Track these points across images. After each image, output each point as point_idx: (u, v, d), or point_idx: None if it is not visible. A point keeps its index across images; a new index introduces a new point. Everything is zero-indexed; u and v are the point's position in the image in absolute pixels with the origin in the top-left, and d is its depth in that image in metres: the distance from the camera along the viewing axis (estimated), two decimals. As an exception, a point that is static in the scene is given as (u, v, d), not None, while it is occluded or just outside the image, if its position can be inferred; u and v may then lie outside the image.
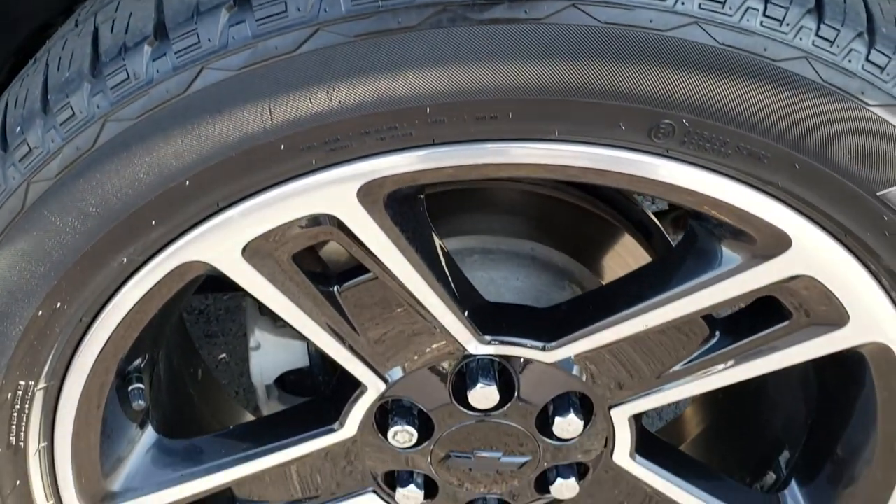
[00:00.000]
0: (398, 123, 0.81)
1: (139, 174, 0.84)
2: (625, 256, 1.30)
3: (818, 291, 0.96)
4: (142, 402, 1.07)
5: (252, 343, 1.30)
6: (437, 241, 1.03)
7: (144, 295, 0.93)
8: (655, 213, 1.35)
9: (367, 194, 0.88)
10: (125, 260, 0.90)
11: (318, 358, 1.30)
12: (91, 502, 1.13)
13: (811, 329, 1.01)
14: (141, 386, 1.07)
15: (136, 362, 1.07)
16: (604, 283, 1.24)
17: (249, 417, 1.57)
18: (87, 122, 0.82)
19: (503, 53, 0.78)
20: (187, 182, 0.84)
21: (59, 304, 0.93)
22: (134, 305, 0.94)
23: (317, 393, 1.32)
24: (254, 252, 0.92)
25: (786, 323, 1.01)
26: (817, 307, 0.98)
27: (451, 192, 1.23)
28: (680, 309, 1.00)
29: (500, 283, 1.23)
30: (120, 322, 0.96)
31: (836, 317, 0.98)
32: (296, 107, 0.80)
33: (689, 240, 1.00)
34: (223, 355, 2.27)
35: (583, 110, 0.81)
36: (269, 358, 1.31)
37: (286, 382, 1.37)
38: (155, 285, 0.93)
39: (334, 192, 0.87)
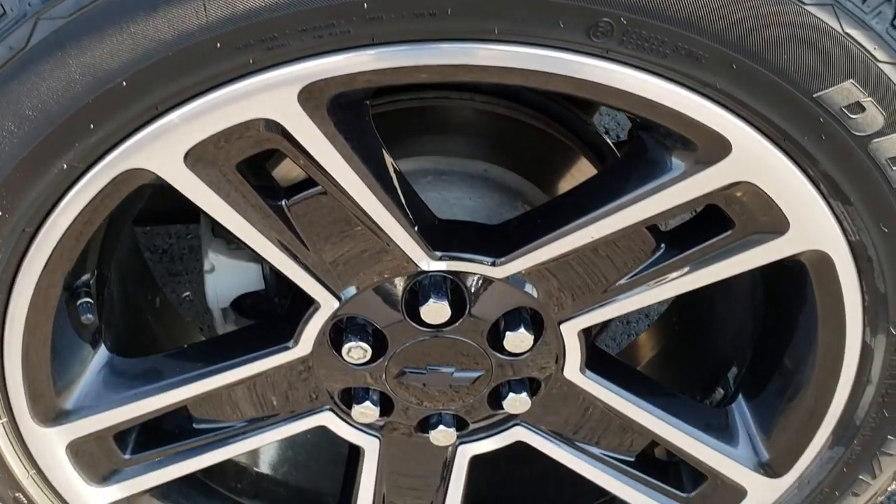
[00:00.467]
0: (335, 20, 0.80)
1: (75, 75, 0.82)
2: (578, 178, 1.31)
3: (759, 198, 0.97)
4: (90, 316, 1.07)
5: (206, 265, 1.30)
6: (386, 154, 1.03)
7: (88, 204, 0.93)
8: (615, 144, 1.36)
9: (308, 98, 0.87)
10: (65, 166, 0.89)
11: (274, 280, 1.30)
12: (44, 419, 1.13)
13: (753, 237, 1.02)
14: (89, 300, 1.06)
15: (85, 277, 1.07)
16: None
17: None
18: (18, 20, 0.81)
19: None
20: (124, 83, 0.83)
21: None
22: (78, 215, 0.94)
23: (270, 314, 1.33)
24: (196, 159, 0.91)
25: (729, 232, 1.03)
26: (758, 215, 1.00)
27: (403, 111, 1.23)
28: (624, 219, 1.01)
29: (453, 203, 1.24)
30: (64, 233, 0.95)
31: (776, 224, 1.00)
32: (231, 3, 0.79)
33: (633, 149, 1.01)
34: (187, 293, 2.27)
35: (521, 7, 0.80)
36: (223, 280, 1.31)
37: (243, 306, 1.37)
38: (98, 194, 0.92)
39: (274, 96, 0.86)
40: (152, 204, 1.50)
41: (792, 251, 1.02)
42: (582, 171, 1.31)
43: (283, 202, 1.02)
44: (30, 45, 0.82)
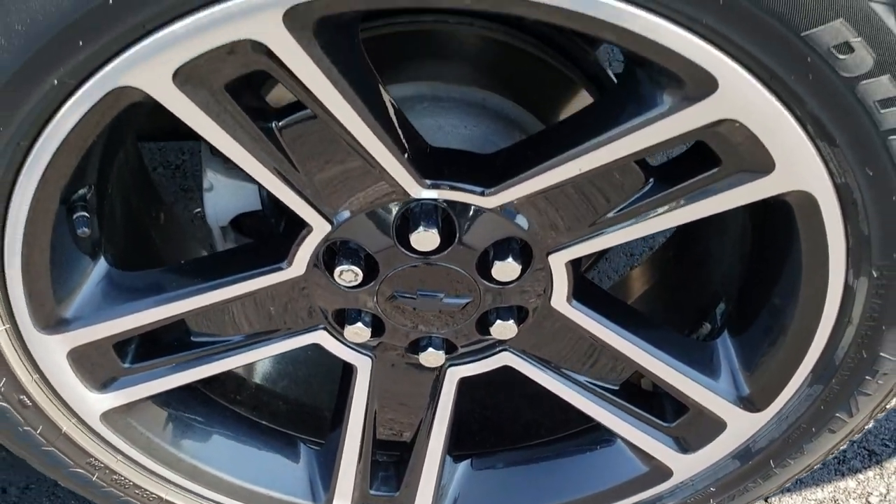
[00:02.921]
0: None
1: (62, -10, 0.83)
2: (577, 109, 1.30)
3: (745, 137, 0.97)
4: (86, 230, 1.10)
5: (205, 184, 1.33)
6: (376, 79, 1.03)
7: (81, 120, 0.94)
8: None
9: (293, 19, 0.87)
10: (56, 82, 0.90)
11: (271, 201, 1.32)
12: (44, 326, 1.18)
13: (740, 175, 1.02)
14: (85, 214, 1.09)
15: (82, 191, 1.09)
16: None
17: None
18: (4, -66, 0.82)
19: None
20: (110, 1, 0.84)
21: (-8, 127, 0.94)
22: (72, 130, 0.95)
23: (268, 232, 1.36)
24: (185, 78, 0.92)
25: (715, 169, 1.03)
26: (745, 153, 0.99)
27: (400, 35, 1.22)
28: (612, 153, 1.01)
29: (449, 131, 1.24)
30: (59, 147, 0.97)
31: (762, 164, 1.00)
32: (213, -77, 0.79)
33: (622, 83, 1.01)
34: (198, 210, 2.30)
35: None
36: (222, 199, 1.34)
37: (241, 225, 1.40)
38: (90, 110, 0.94)
39: (259, 17, 0.86)
40: (158, 120, 1.53)
41: (777, 191, 1.02)
42: (581, 102, 1.31)
43: (274, 124, 1.03)
44: (17, -44, 0.82)
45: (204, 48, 0.89)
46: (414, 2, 0.87)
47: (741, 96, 0.92)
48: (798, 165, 0.98)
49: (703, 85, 0.92)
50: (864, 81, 0.89)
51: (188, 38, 0.88)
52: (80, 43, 0.87)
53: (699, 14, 0.85)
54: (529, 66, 1.28)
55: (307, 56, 0.91)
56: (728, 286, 1.36)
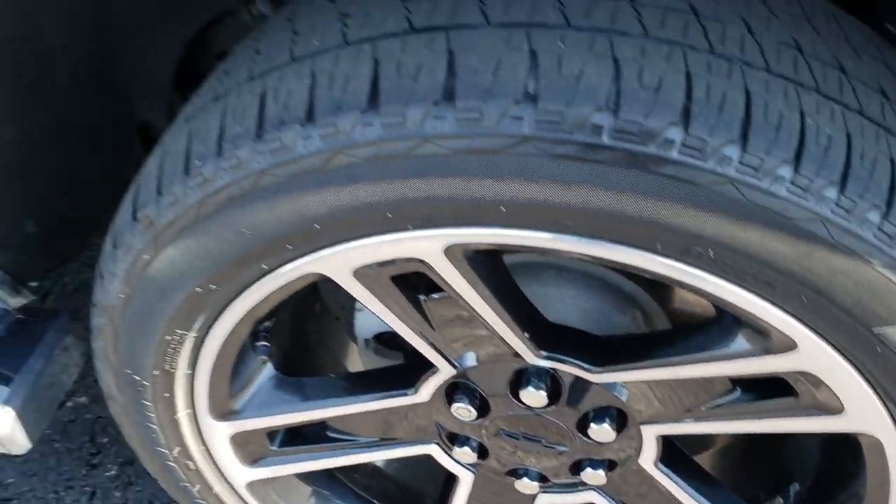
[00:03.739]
0: (478, 215, 1.02)
1: (283, 215, 1.08)
2: (686, 293, 1.46)
3: (819, 384, 1.11)
4: (265, 357, 1.36)
5: (357, 305, 1.58)
6: (511, 279, 1.23)
7: (275, 290, 1.20)
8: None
9: (451, 251, 1.09)
10: (264, 266, 1.16)
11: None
12: (217, 414, 1.45)
13: (812, 409, 1.17)
14: (266, 344, 1.35)
15: (266, 324, 1.35)
16: (665, 313, 1.43)
17: (353, 348, 1.86)
18: (249, 172, 1.06)
19: (573, 181, 0.96)
20: (317, 226, 1.08)
21: (211, 286, 1.20)
22: (266, 295, 1.21)
23: (403, 351, 1.59)
24: (362, 274, 1.16)
25: (792, 398, 1.18)
26: (818, 395, 1.14)
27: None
28: (699, 370, 1.18)
29: (569, 303, 1.43)
30: (255, 304, 1.23)
31: (833, 406, 1.14)
32: (402, 193, 1.01)
33: (717, 317, 1.17)
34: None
35: (629, 232, 0.98)
36: (368, 320, 1.58)
37: (381, 339, 1.64)
38: (284, 284, 1.19)
39: (424, 246, 1.09)
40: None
41: (845, 430, 1.16)
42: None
43: (421, 298, 1.26)
44: (255, 188, 1.07)
45: (381, 258, 1.12)
46: (537, 243, 1.05)
47: (818, 358, 1.07)
48: (865, 414, 1.12)
49: (784, 343, 1.08)
50: (928, 371, 1.02)
51: (370, 250, 1.11)
52: (289, 246, 1.12)
53: (785, 302, 1.01)
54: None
55: (456, 271, 1.13)
56: (804, 468, 1.49)
